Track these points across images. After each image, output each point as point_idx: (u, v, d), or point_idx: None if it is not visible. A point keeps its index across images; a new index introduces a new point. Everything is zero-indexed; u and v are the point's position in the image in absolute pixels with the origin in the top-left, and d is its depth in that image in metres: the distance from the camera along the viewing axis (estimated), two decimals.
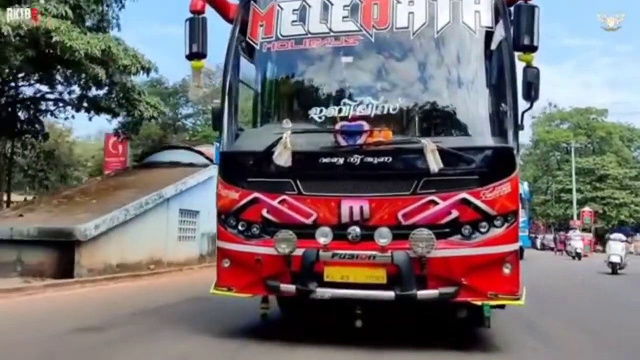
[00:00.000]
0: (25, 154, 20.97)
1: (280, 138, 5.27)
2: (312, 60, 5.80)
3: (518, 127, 5.29)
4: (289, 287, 5.30)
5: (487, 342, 5.75)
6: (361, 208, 5.17)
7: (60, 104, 18.15)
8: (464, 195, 5.09)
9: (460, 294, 5.14)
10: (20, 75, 16.43)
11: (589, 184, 51.00)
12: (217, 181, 5.79)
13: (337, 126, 5.36)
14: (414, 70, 5.63)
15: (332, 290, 5.18)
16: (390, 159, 5.20)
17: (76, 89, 16.99)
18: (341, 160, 5.25)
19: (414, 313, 6.27)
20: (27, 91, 18.04)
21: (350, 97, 5.51)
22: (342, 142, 5.29)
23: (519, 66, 5.30)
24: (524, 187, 24.33)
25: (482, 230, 5.12)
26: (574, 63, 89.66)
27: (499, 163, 5.20)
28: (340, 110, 5.44)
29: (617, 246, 18.92)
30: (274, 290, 5.42)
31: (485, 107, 5.43)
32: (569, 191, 50.05)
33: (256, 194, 5.45)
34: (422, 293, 5.07)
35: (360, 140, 5.25)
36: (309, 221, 5.28)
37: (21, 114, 18.37)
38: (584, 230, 39.25)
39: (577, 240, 30.59)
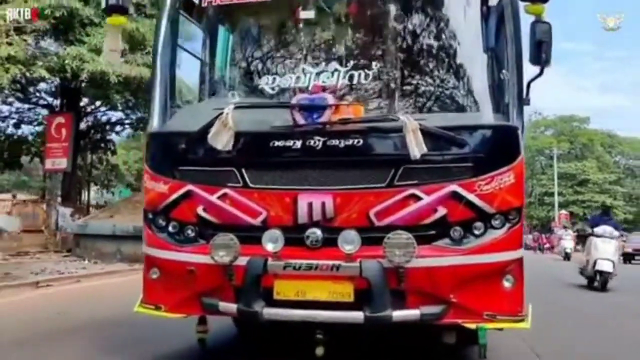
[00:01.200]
0: (98, 167, 24.63)
1: (220, 114, 4.01)
2: (263, 17, 4.56)
3: (523, 100, 4.08)
4: (229, 307, 4.04)
5: None
6: (323, 204, 3.91)
7: (126, 125, 22.94)
8: (454, 187, 3.85)
9: (449, 314, 3.90)
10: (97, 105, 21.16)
11: (571, 187, 53.03)
12: (144, 171, 4.51)
13: (294, 99, 4.09)
14: (392, 29, 4.36)
15: (284, 310, 3.91)
16: (361, 141, 3.94)
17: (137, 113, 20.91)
18: (299, 144, 3.98)
19: (389, 338, 5.01)
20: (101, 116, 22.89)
21: (311, 63, 4.26)
22: (300, 120, 4.01)
23: (524, 22, 4.09)
24: None
25: (477, 232, 3.90)
26: (567, 67, 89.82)
27: (500, 146, 3.98)
28: (298, 79, 4.20)
29: (606, 247, 11.85)
30: (211, 309, 4.16)
31: (481, 75, 4.18)
32: (552, 194, 51.28)
33: (190, 187, 4.17)
34: (400, 314, 3.83)
35: (324, 118, 3.98)
36: (256, 222, 4.03)
37: (97, 135, 22.65)
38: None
39: (568, 240, 28.60)
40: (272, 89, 4.23)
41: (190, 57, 4.83)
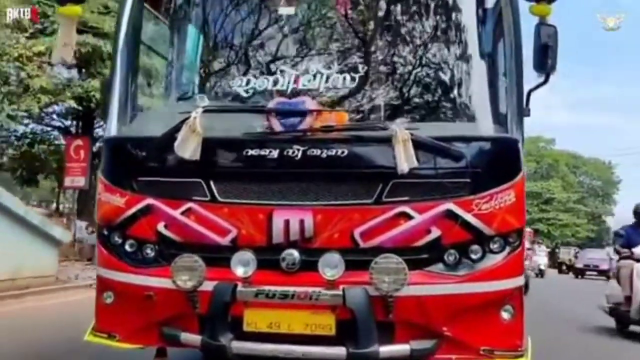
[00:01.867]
0: None
1: (187, 119, 3.49)
2: (237, 11, 4.04)
3: (523, 110, 3.66)
4: (192, 338, 3.49)
5: None
6: (302, 222, 3.41)
7: None
8: (449, 205, 3.40)
9: (442, 349, 3.42)
10: None
11: (537, 206, 53.57)
12: (98, 181, 3.94)
13: (271, 103, 3.61)
14: (381, 28, 3.91)
15: (255, 344, 3.38)
16: (346, 151, 3.46)
17: None
18: (275, 153, 3.47)
19: None
20: None
21: (290, 64, 3.78)
22: (277, 127, 3.52)
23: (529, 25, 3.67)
24: None
25: (474, 257, 3.45)
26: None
27: (499, 161, 3.55)
28: (275, 82, 3.69)
29: None
30: (171, 340, 3.60)
31: (478, 82, 3.71)
32: None
33: (150, 200, 3.62)
34: (387, 349, 3.33)
35: (304, 125, 3.50)
36: (224, 241, 3.50)
37: None
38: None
39: (542, 257, 27.62)
40: (246, 91, 3.72)
41: (154, 55, 4.28)
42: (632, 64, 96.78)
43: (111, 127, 3.92)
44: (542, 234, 48.96)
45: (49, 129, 21.79)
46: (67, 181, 18.54)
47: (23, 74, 14.57)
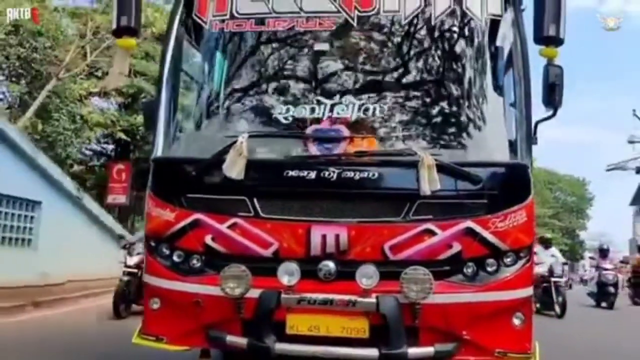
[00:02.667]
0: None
1: (234, 143, 3.85)
2: (277, 46, 4.42)
3: (532, 139, 4.08)
4: (238, 340, 3.81)
5: None
6: (337, 237, 3.77)
7: None
8: (468, 223, 3.79)
9: (461, 351, 3.80)
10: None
11: None
12: (147, 197, 4.26)
13: (309, 130, 3.99)
14: (406, 64, 4.31)
15: (296, 346, 3.73)
16: (377, 174, 3.85)
17: None
18: (313, 175, 3.84)
19: None
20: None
21: (326, 95, 4.14)
22: (315, 151, 3.91)
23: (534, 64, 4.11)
24: None
25: (490, 269, 3.83)
26: None
27: (513, 184, 3.96)
28: (313, 110, 4.07)
29: None
30: (217, 342, 3.93)
31: (494, 114, 4.13)
32: None
33: (198, 215, 3.96)
34: (414, 351, 3.69)
35: (338, 150, 3.89)
36: (267, 253, 3.85)
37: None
38: None
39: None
40: (286, 118, 4.08)
41: (198, 83, 4.62)
42: (614, 79, 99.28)
43: (158, 149, 4.25)
44: None
45: (88, 152, 24.19)
46: (109, 199, 20.73)
47: (84, 112, 18.12)
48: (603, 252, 17.72)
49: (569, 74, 4.10)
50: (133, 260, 9.36)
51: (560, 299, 12.12)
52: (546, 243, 14.16)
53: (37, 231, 12.92)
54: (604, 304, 15.92)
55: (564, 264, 13.66)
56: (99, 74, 19.01)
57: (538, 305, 11.17)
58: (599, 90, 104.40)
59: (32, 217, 12.91)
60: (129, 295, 9.26)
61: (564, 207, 60.69)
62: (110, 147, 24.44)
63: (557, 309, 12.03)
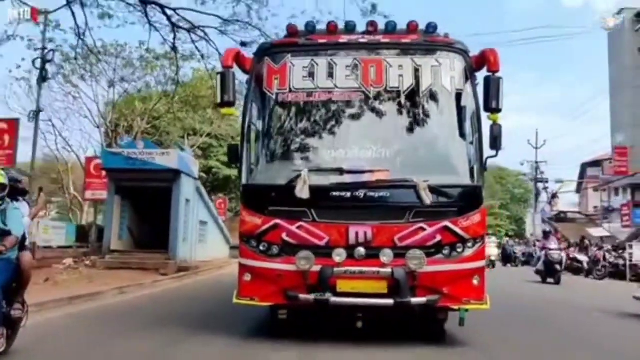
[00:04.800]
0: None
1: (299, 175, 5.96)
2: (321, 109, 6.55)
3: (483, 169, 6.30)
4: (306, 297, 5.95)
5: (457, 340, 6.62)
6: (365, 233, 5.96)
7: None
8: (446, 223, 6.03)
9: (442, 300, 6.04)
10: None
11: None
12: (241, 209, 6.37)
13: (344, 166, 6.14)
14: (404, 121, 6.51)
15: (345, 299, 5.91)
16: (388, 193, 6.06)
17: None
18: (348, 194, 6.03)
19: (401, 316, 7.03)
20: None
21: (354, 142, 6.32)
22: (349, 180, 6.07)
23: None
24: None
25: (459, 250, 6.07)
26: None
27: (472, 198, 6.22)
28: (347, 152, 6.23)
29: None
30: (292, 299, 6.04)
31: (460, 153, 6.40)
32: None
33: (277, 221, 6.09)
34: (415, 300, 5.92)
35: (364, 178, 6.07)
36: (322, 243, 5.99)
37: None
38: None
39: (492, 247, 26.81)
40: (330, 157, 6.24)
41: (267, 134, 6.66)
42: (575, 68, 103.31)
43: (243, 178, 6.38)
44: (489, 234, 53.38)
45: None
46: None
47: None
48: (546, 235, 20.13)
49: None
50: None
51: None
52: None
53: (206, 236, 24.30)
54: (550, 280, 17.96)
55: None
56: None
57: None
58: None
59: (205, 229, 24.17)
60: None
61: (512, 198, 64.59)
62: None
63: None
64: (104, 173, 20.23)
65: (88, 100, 28.70)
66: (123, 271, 15.82)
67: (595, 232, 36.22)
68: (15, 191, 6.25)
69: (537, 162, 45.08)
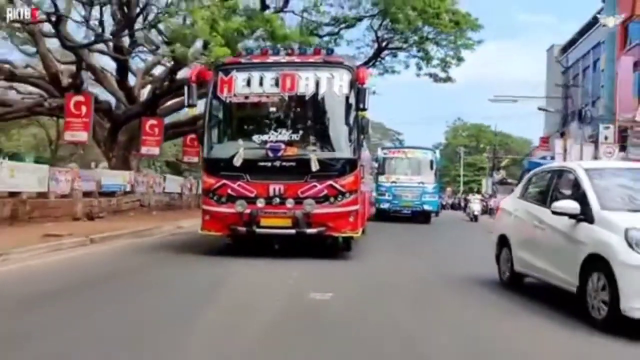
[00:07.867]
0: None
1: (238, 151, 8.94)
2: (254, 108, 9.62)
3: (360, 146, 9.20)
4: (242, 229, 9.04)
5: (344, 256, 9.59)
6: (279, 189, 8.96)
7: None
8: (331, 182, 8.97)
9: (328, 231, 9.07)
10: None
11: (472, 172, 65.17)
12: (202, 173, 9.45)
13: (268, 145, 9.08)
14: (307, 116, 9.57)
15: (265, 230, 9.01)
16: (294, 163, 9.03)
17: None
18: (269, 164, 9.03)
19: (305, 241, 9.82)
20: None
21: (274, 129, 9.25)
22: (270, 154, 9.04)
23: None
24: (435, 156, 23.64)
25: (339, 199, 9.03)
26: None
27: (349, 165, 9.15)
28: (269, 137, 9.18)
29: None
30: (234, 231, 9.17)
31: (343, 136, 9.26)
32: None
33: (224, 181, 9.14)
34: (309, 231, 8.98)
35: (280, 153, 9.02)
36: (252, 195, 9.03)
37: None
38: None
39: (476, 203, 29.24)
40: (258, 140, 9.20)
41: (220, 125, 9.65)
42: None
43: (205, 152, 9.44)
44: (473, 191, 55.76)
45: None
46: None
47: None
48: (472, 193, 26.09)
49: None
50: None
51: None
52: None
53: None
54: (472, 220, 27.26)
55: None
56: None
57: None
58: None
59: None
60: None
61: (515, 162, 66.31)
62: None
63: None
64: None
65: None
66: None
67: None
68: None
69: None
